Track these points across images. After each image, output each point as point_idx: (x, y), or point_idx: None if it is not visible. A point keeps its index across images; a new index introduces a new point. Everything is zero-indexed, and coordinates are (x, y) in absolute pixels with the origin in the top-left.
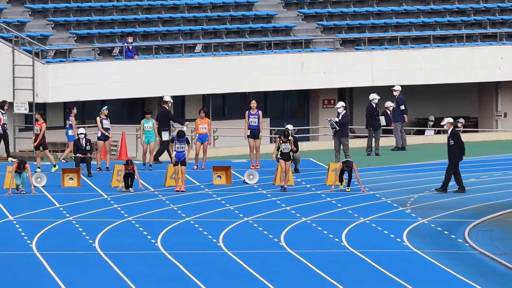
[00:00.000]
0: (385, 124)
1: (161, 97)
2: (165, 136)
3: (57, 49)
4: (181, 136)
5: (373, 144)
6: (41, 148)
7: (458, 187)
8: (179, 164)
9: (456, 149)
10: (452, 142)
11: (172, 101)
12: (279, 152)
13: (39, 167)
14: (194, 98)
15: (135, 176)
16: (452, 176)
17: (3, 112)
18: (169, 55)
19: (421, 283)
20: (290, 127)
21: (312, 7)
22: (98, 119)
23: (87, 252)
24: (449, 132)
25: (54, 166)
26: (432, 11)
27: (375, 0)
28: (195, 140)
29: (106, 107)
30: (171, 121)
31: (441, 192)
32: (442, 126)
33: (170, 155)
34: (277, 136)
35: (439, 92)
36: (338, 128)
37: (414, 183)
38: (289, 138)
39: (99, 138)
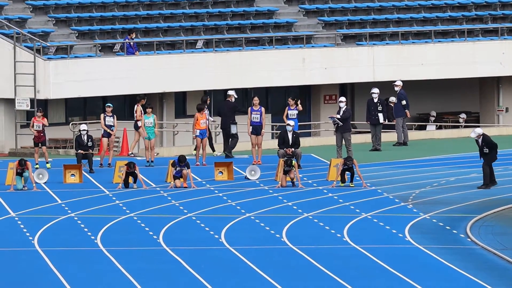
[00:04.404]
0: (382, 121)
1: (162, 93)
2: (234, 129)
3: (58, 46)
4: (182, 161)
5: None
6: (40, 144)
7: (483, 183)
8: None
9: (492, 152)
10: (487, 150)
11: (236, 96)
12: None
13: (37, 164)
14: (195, 94)
15: (138, 177)
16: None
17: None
18: (171, 51)
19: (423, 278)
20: (291, 123)
21: (313, 2)
22: (102, 116)
23: (89, 248)
24: (480, 142)
25: (48, 163)
26: (433, 6)
27: None
28: (194, 136)
29: (108, 104)
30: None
31: (488, 187)
32: (476, 141)
33: (167, 175)
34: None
35: (441, 88)
36: (341, 123)
37: (415, 179)
38: (293, 164)
39: (102, 135)
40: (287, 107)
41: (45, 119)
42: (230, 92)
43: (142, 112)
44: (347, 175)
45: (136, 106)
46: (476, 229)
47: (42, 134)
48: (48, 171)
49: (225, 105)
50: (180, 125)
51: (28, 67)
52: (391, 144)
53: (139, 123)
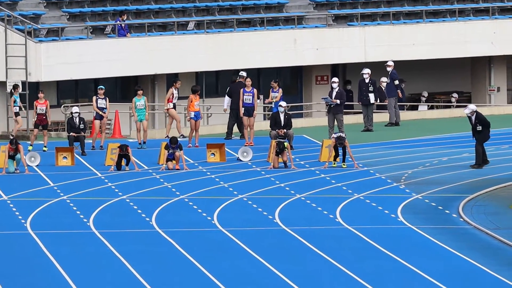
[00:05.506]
0: (373, 101)
1: (154, 75)
2: None
3: (49, 28)
4: (174, 142)
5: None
6: (41, 127)
7: (475, 163)
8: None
9: (484, 131)
10: (480, 127)
11: (246, 75)
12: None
13: (31, 145)
14: (187, 75)
15: (130, 159)
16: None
17: (177, 88)
18: (162, 33)
19: (415, 259)
20: (283, 104)
21: None
22: (94, 98)
23: (81, 231)
24: (473, 119)
25: (45, 146)
26: None
27: None
28: (188, 118)
29: (100, 86)
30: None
31: (481, 167)
32: (469, 118)
33: (160, 157)
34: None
35: (432, 68)
36: (333, 104)
37: (408, 159)
38: (285, 146)
39: (94, 117)
40: (270, 89)
41: (47, 102)
42: (242, 73)
43: (174, 94)
44: (340, 151)
45: (171, 88)
46: (468, 209)
47: (45, 117)
48: (40, 154)
49: (236, 86)
50: None
51: (19, 49)
52: (383, 124)
53: (170, 105)
